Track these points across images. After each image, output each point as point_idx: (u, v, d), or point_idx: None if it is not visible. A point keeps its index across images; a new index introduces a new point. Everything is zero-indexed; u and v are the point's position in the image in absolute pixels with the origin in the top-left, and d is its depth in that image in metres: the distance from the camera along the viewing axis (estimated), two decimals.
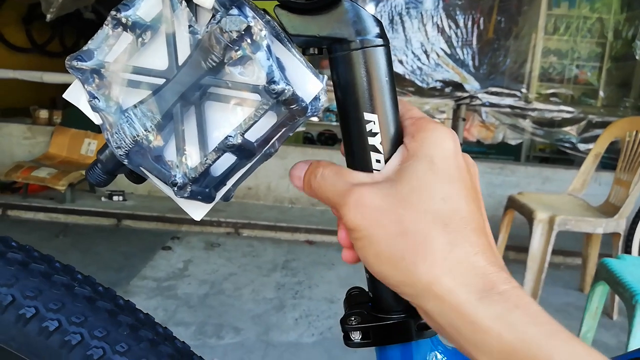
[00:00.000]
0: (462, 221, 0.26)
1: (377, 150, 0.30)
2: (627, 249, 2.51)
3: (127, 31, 0.31)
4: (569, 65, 4.81)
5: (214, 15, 0.29)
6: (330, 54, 0.31)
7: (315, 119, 3.85)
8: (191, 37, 0.30)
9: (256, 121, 0.30)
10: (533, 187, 3.51)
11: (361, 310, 0.35)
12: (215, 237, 3.11)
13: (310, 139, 5.03)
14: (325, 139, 5.00)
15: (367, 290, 0.36)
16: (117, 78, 0.32)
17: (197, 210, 0.34)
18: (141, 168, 0.32)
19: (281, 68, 0.30)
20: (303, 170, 0.32)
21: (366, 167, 0.31)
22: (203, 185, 0.32)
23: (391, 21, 4.65)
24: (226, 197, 0.34)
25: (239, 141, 0.30)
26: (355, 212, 0.27)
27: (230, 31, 0.28)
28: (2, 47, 5.20)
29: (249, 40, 0.29)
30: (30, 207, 3.27)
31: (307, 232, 3.20)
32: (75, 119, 3.61)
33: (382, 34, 0.30)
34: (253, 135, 0.31)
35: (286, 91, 0.29)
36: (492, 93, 4.39)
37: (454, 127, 4.21)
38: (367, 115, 0.30)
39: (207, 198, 0.33)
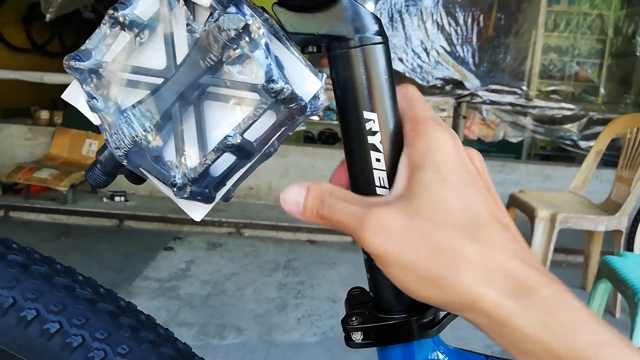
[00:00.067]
0: (486, 227, 0.25)
1: (376, 149, 0.30)
2: (629, 247, 2.51)
3: (124, 30, 0.31)
4: (569, 62, 4.81)
5: (211, 14, 0.29)
6: (329, 52, 0.30)
7: (315, 117, 3.84)
8: (189, 36, 0.30)
9: (255, 120, 0.30)
10: (534, 185, 3.50)
11: (362, 311, 0.34)
12: (217, 237, 3.11)
13: (310, 137, 5.02)
14: (326, 138, 5.00)
15: (368, 290, 0.36)
16: (115, 78, 0.31)
17: (197, 210, 0.34)
18: (140, 169, 0.32)
19: (280, 67, 0.29)
20: (300, 195, 0.29)
21: (365, 166, 0.31)
22: (202, 185, 0.32)
23: (391, 19, 4.65)
24: (226, 198, 0.34)
25: (238, 141, 0.30)
26: (380, 236, 0.25)
27: (228, 29, 0.28)
28: (2, 48, 5.20)
29: (247, 39, 0.28)
30: (32, 209, 3.27)
31: (309, 231, 3.20)
32: (76, 119, 3.61)
33: (381, 32, 0.30)
34: (252, 135, 0.30)
35: (285, 90, 0.28)
36: (493, 91, 4.38)
37: (455, 125, 4.20)
38: (367, 114, 0.30)
39: (207, 198, 0.32)
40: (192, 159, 0.31)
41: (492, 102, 4.34)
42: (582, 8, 4.69)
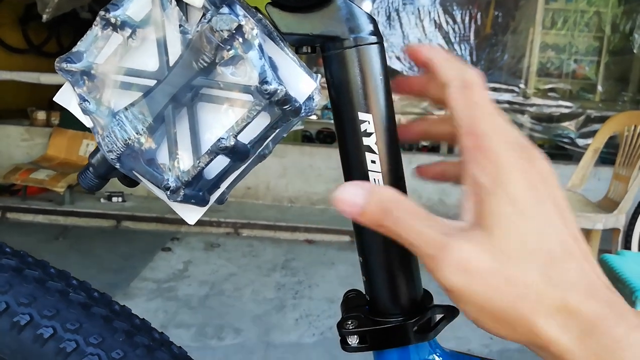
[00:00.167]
0: (561, 263, 0.24)
1: (372, 151, 0.30)
2: (627, 245, 2.51)
3: (116, 31, 0.30)
4: (566, 59, 4.81)
5: (204, 15, 0.28)
6: (323, 53, 0.30)
7: (313, 116, 3.84)
8: (182, 37, 0.29)
9: (249, 122, 0.29)
10: None
11: (358, 314, 0.34)
12: (214, 237, 3.10)
13: (308, 137, 5.01)
14: (323, 137, 4.99)
15: (364, 292, 0.35)
16: (107, 80, 0.31)
17: (190, 213, 0.34)
18: (133, 172, 0.32)
19: (274, 67, 0.29)
20: (358, 196, 0.26)
21: (361, 168, 0.30)
22: (196, 188, 0.31)
23: (388, 17, 4.65)
24: (220, 200, 0.33)
25: (232, 143, 0.29)
26: (461, 276, 0.24)
27: (221, 30, 0.28)
28: None
29: (240, 40, 0.28)
30: (29, 210, 3.27)
31: (307, 231, 3.19)
32: (73, 120, 3.54)
33: (376, 32, 0.29)
34: (246, 137, 0.30)
35: (279, 91, 0.28)
36: (490, 88, 4.38)
37: None
38: (362, 115, 0.29)
39: (201, 201, 0.32)
40: (186, 161, 0.31)
41: None
42: (580, 5, 4.69)
